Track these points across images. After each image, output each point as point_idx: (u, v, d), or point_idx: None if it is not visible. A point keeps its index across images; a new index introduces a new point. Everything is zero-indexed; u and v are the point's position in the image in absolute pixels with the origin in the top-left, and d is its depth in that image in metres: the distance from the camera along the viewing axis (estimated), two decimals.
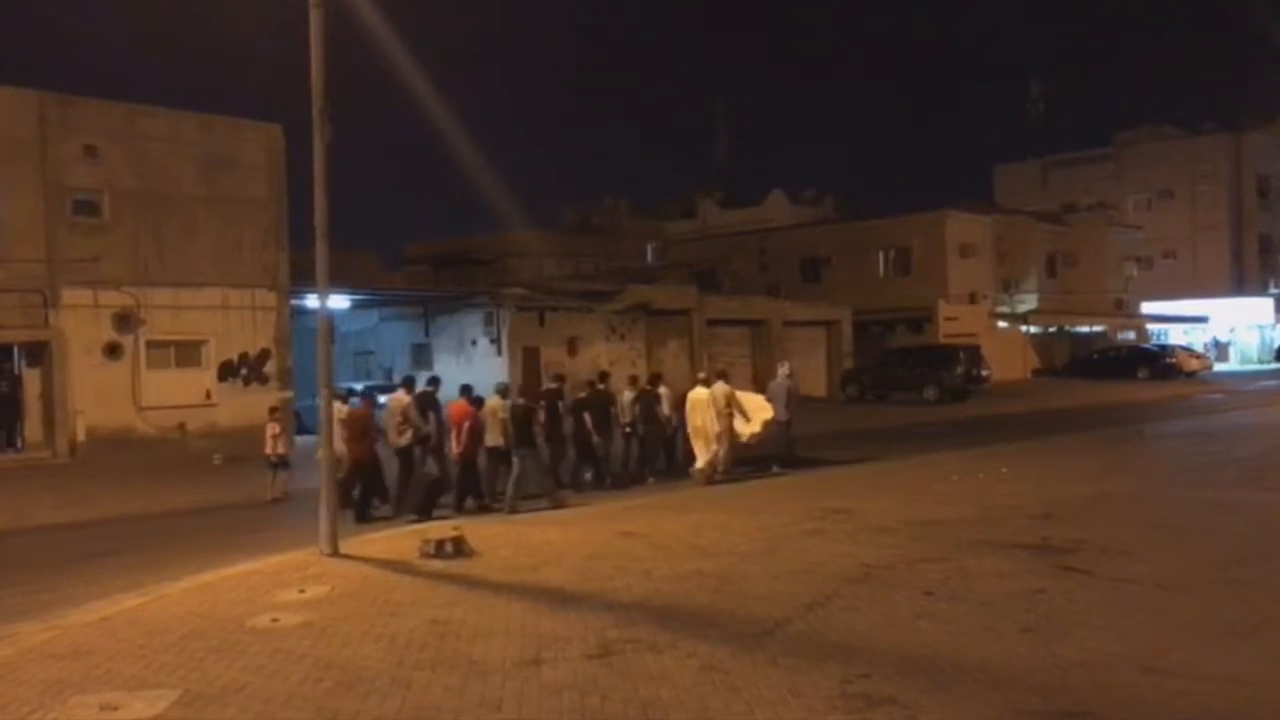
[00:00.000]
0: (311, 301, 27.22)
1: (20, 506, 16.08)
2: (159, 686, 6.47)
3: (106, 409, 21.76)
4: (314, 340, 27.18)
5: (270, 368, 24.47)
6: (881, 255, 44.58)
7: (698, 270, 46.26)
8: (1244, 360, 56.89)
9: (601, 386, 17.50)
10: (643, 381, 19.17)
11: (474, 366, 28.82)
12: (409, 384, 15.74)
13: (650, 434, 17.45)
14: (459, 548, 10.37)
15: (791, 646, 6.89)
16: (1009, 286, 46.65)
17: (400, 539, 11.34)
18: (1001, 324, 44.59)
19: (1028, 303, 47.24)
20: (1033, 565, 9.12)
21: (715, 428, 16.34)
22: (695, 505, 13.69)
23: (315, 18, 10.86)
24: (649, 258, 54.51)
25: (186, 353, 23.38)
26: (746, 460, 17.46)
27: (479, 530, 11.49)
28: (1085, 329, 50.15)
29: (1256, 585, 8.30)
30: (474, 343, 29.27)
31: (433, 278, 38.21)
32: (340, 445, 13.33)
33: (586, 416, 16.53)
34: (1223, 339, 57.77)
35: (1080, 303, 49.07)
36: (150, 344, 22.69)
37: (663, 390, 18.05)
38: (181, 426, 22.64)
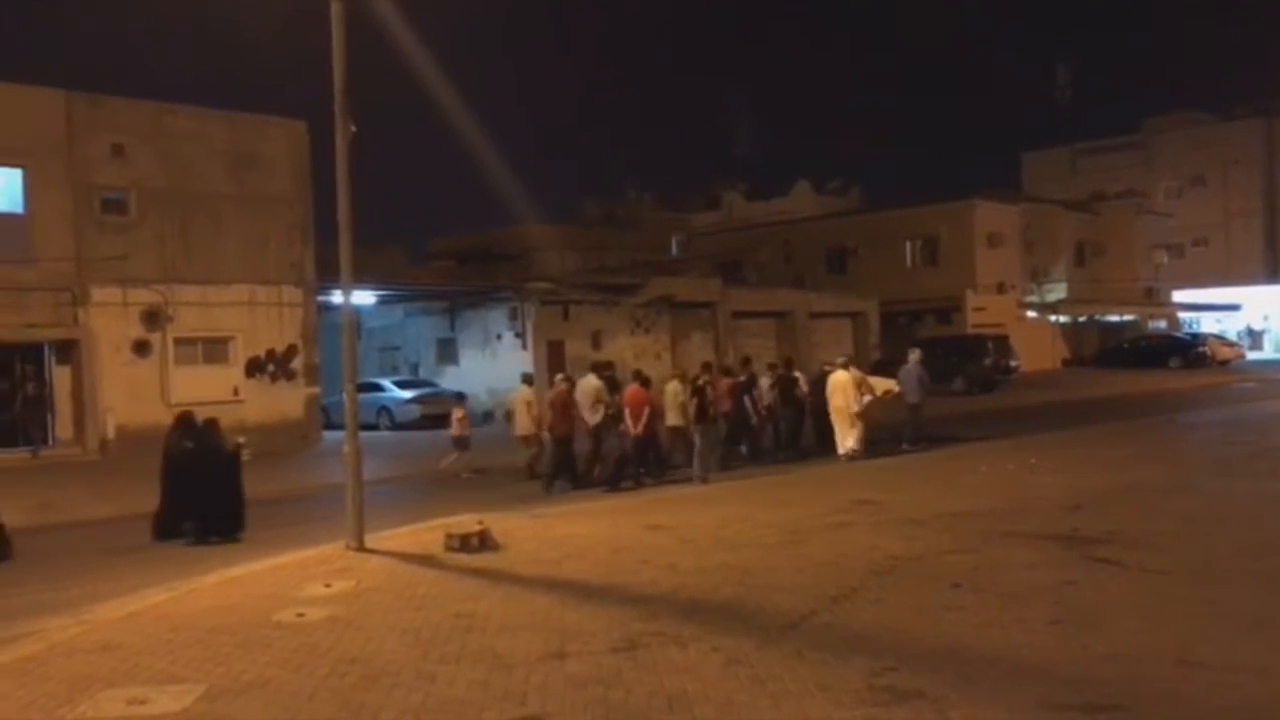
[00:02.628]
0: (338, 297, 27.41)
1: (51, 503, 16.24)
2: (185, 681, 6.50)
3: (136, 406, 21.93)
4: (337, 335, 27.75)
5: (297, 363, 24.61)
6: (908, 245, 44.24)
7: (722, 262, 46.02)
8: (1278, 348, 56.11)
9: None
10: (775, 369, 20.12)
11: (499, 361, 28.89)
12: (597, 369, 17.78)
13: (789, 415, 18.77)
14: (484, 541, 10.39)
15: (817, 639, 6.84)
16: (1037, 276, 46.20)
17: (426, 533, 11.35)
18: (1030, 314, 44.19)
19: (1056, 292, 46.78)
20: (1062, 557, 9.02)
21: (855, 408, 17.36)
22: (722, 498, 13.70)
23: (336, 12, 10.89)
24: (673, 250, 54.32)
25: (214, 349, 23.55)
26: (878, 440, 18.42)
27: (504, 524, 11.50)
28: (1115, 318, 49.61)
29: None
30: (499, 337, 29.30)
31: (457, 273, 38.23)
32: (527, 423, 16.64)
33: (746, 400, 18.02)
34: (1256, 327, 56.96)
35: (1110, 292, 48.54)
36: (178, 341, 22.86)
37: (798, 374, 19.42)
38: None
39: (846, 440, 17.45)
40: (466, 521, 11.02)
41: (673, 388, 16.39)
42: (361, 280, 26.94)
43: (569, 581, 8.89)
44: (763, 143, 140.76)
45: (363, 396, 27.78)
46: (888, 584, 8.30)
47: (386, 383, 28.32)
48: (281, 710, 5.90)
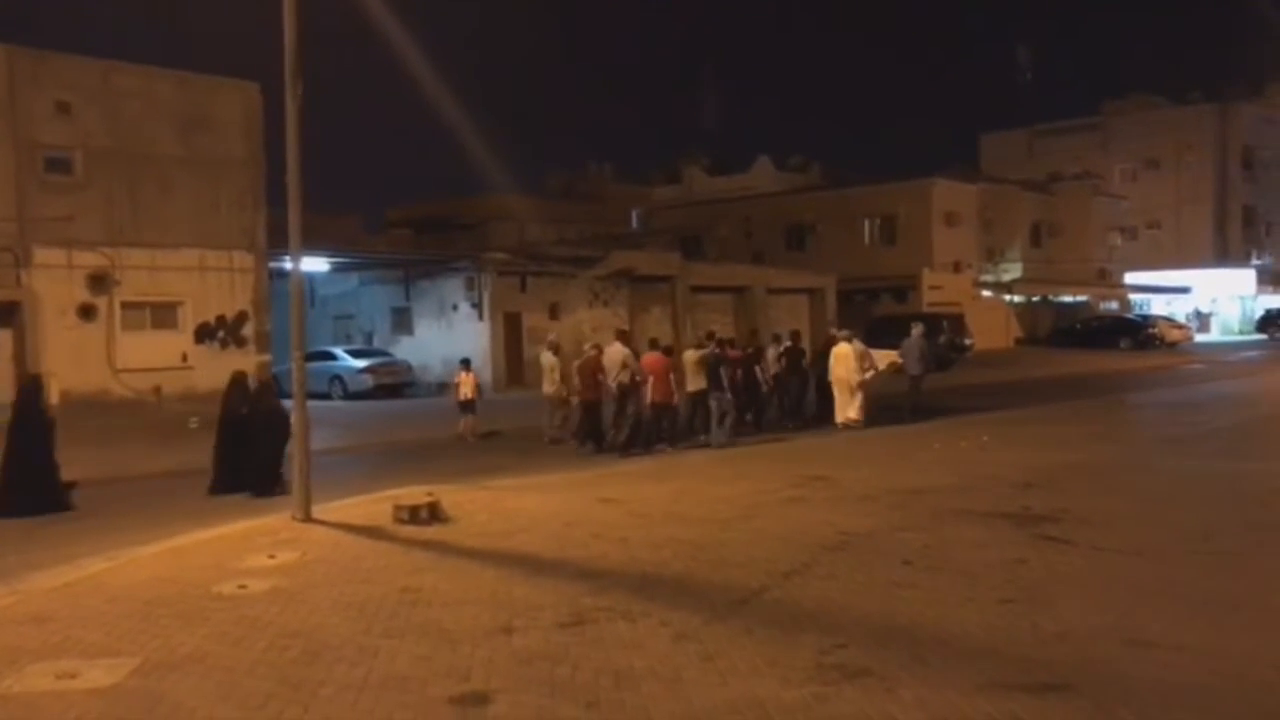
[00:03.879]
0: (291, 264, 27.04)
1: None
2: (119, 654, 6.29)
3: (81, 371, 21.42)
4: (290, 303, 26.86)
5: (248, 330, 24.18)
6: (867, 223, 44.41)
7: (683, 237, 45.95)
8: (1225, 331, 57.08)
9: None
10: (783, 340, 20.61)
11: (455, 331, 28.61)
12: (622, 336, 18.47)
13: (794, 385, 19.58)
14: (434, 513, 10.22)
15: (767, 615, 6.76)
16: (993, 255, 46.56)
17: (374, 504, 11.14)
18: (985, 293, 44.56)
19: (1012, 272, 47.20)
20: (1013, 535, 9.02)
21: (856, 378, 17.98)
22: (677, 472, 13.61)
23: None
24: (633, 224, 54.15)
25: (163, 315, 23.07)
26: (883, 409, 18.91)
27: (455, 496, 11.33)
28: (1069, 299, 50.16)
29: (1239, 556, 8.22)
30: (455, 307, 28.99)
31: (415, 242, 37.82)
32: (552, 387, 17.78)
33: (758, 369, 18.79)
34: (1205, 310, 57.93)
35: (1064, 272, 49.05)
36: (125, 305, 22.37)
37: (804, 346, 20.36)
38: (157, 390, 22.33)
39: (846, 410, 18.09)
40: (415, 493, 10.84)
41: (689, 355, 17.13)
42: (315, 247, 26.70)
43: (518, 555, 8.76)
44: (725, 118, 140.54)
45: (315, 365, 27.79)
46: (839, 560, 8.24)
47: (339, 351, 28.01)
48: (216, 685, 5.72)
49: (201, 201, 23.37)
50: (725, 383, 16.71)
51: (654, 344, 18.14)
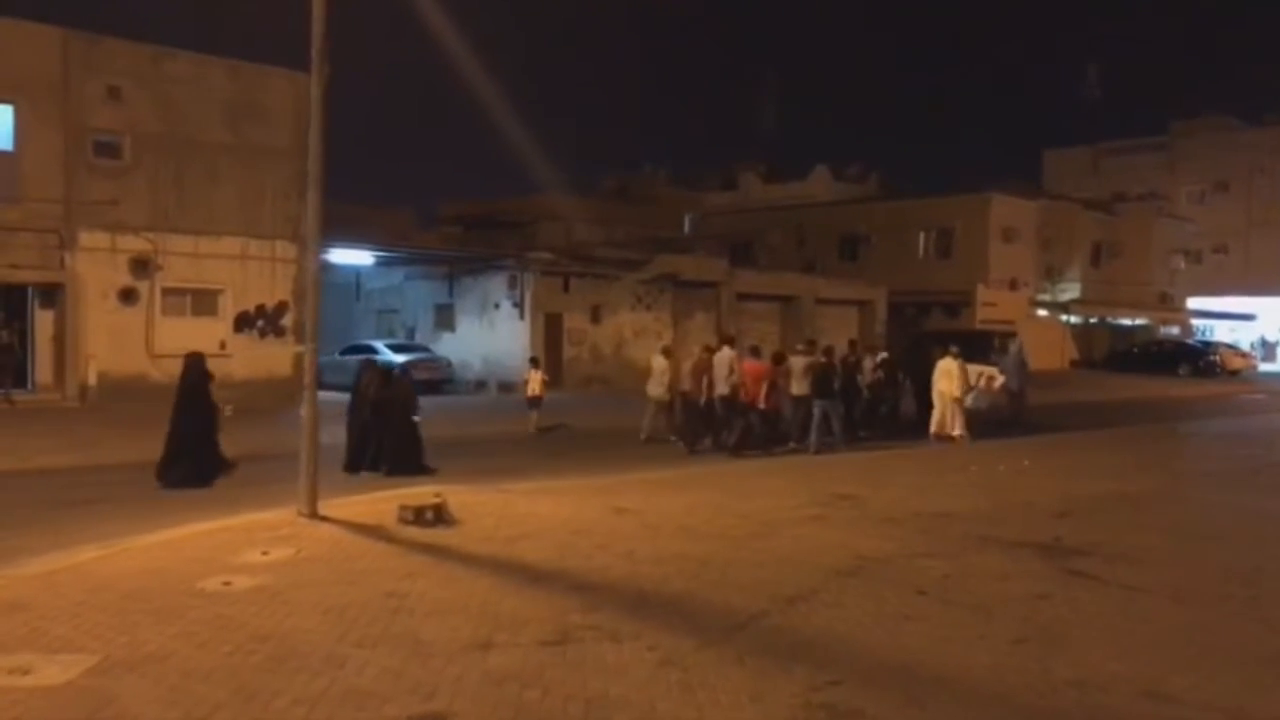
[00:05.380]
0: (335, 255, 27.07)
1: (19, 449, 15.87)
2: (80, 650, 6.06)
3: (119, 355, 21.56)
4: (336, 294, 27.90)
5: (288, 320, 24.18)
6: (922, 236, 43.58)
7: (734, 243, 45.46)
8: None
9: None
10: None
11: (495, 330, 28.47)
12: (730, 341, 18.43)
13: (891, 395, 19.97)
14: (439, 515, 9.93)
15: (762, 643, 6.36)
16: (1051, 274, 45.50)
17: (384, 502, 10.88)
18: (1041, 312, 43.54)
19: (1070, 291, 46.09)
20: (1039, 567, 8.52)
21: (957, 393, 18.43)
22: (702, 483, 13.18)
23: None
24: (685, 228, 53.71)
25: (203, 301, 23.15)
26: (986, 422, 19.50)
27: (466, 497, 11.05)
28: (1127, 321, 48.88)
29: (1278, 603, 7.65)
30: (496, 305, 28.83)
31: (463, 239, 37.73)
32: (661, 390, 18.07)
33: (857, 378, 19.13)
34: (1270, 338, 56.12)
35: (1124, 294, 47.79)
36: (166, 291, 22.47)
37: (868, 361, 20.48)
38: None
39: (946, 424, 18.53)
40: (423, 493, 10.57)
41: (799, 362, 17.61)
42: (359, 240, 26.76)
43: (518, 563, 8.43)
44: (785, 125, 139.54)
45: (355, 359, 27.76)
46: (849, 587, 7.80)
47: (380, 345, 27.90)
48: (169, 689, 5.45)
49: (246, 189, 23.42)
50: (835, 390, 17.25)
51: (755, 351, 18.87)
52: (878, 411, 19.64)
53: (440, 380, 27.51)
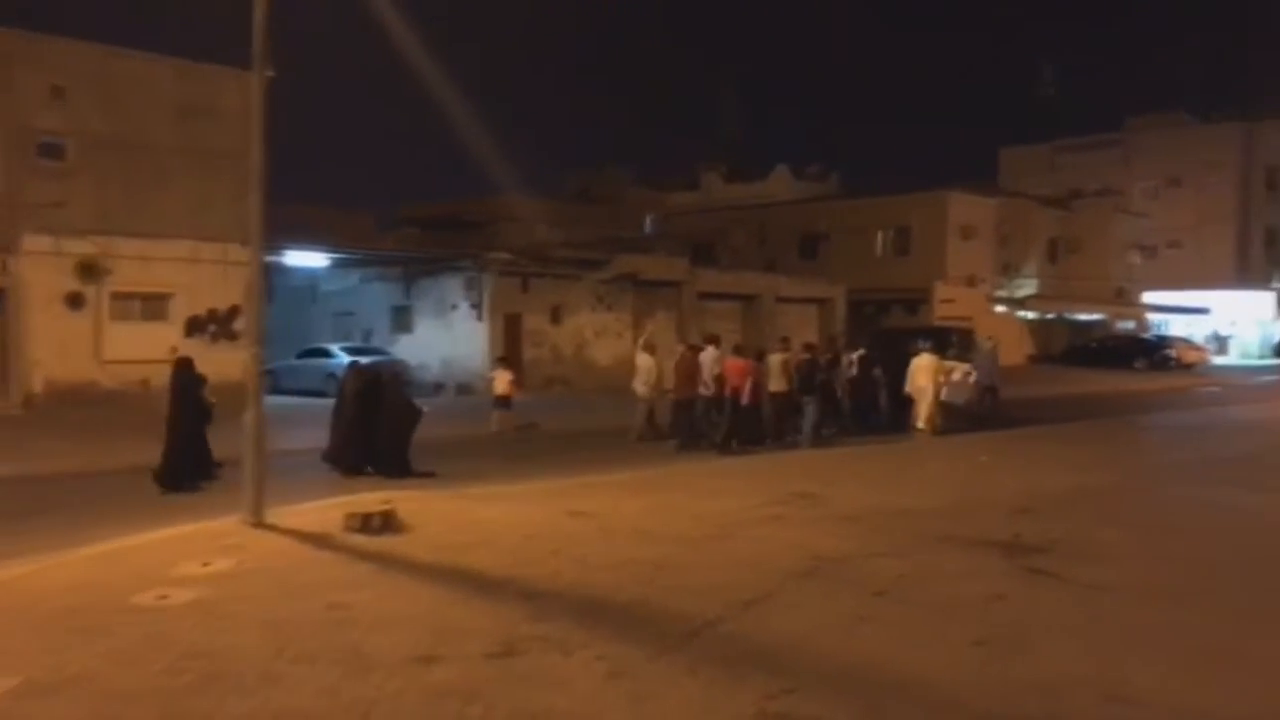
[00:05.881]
0: (289, 258, 26.61)
1: None
2: (1, 673, 5.74)
3: (66, 361, 21.01)
4: (293, 298, 27.59)
5: (240, 324, 23.67)
6: (880, 234, 43.61)
7: (696, 243, 45.29)
8: (1244, 355, 55.99)
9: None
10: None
11: (454, 331, 28.10)
12: (715, 340, 18.53)
13: (869, 391, 20.09)
14: (388, 522, 9.64)
15: (716, 651, 6.16)
16: (1009, 270, 45.72)
17: (332, 510, 10.54)
18: (999, 308, 43.70)
19: (1027, 288, 46.34)
20: (999, 565, 8.38)
21: (932, 388, 18.77)
22: (662, 484, 12.94)
23: None
24: (647, 228, 53.52)
25: (153, 306, 22.62)
26: (959, 416, 19.81)
27: (417, 504, 10.76)
28: (1084, 316, 49.24)
29: (1240, 599, 7.56)
30: (454, 307, 28.44)
31: (423, 240, 37.30)
32: (646, 388, 18.13)
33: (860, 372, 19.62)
34: (1224, 332, 56.82)
35: (1081, 290, 48.14)
36: (115, 295, 21.92)
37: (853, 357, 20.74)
38: (145, 382, 21.82)
39: (926, 418, 18.76)
40: (370, 500, 10.28)
41: (774, 359, 17.78)
42: (314, 242, 26.29)
43: (467, 571, 8.17)
44: (746, 126, 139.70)
45: (310, 362, 27.34)
46: (806, 589, 7.63)
47: (335, 348, 27.43)
48: (90, 714, 5.17)
49: (197, 192, 22.90)
50: (817, 387, 17.45)
51: (737, 350, 18.80)
52: (857, 408, 19.77)
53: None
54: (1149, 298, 53.18)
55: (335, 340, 29.10)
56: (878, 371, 20.08)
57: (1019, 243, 45.88)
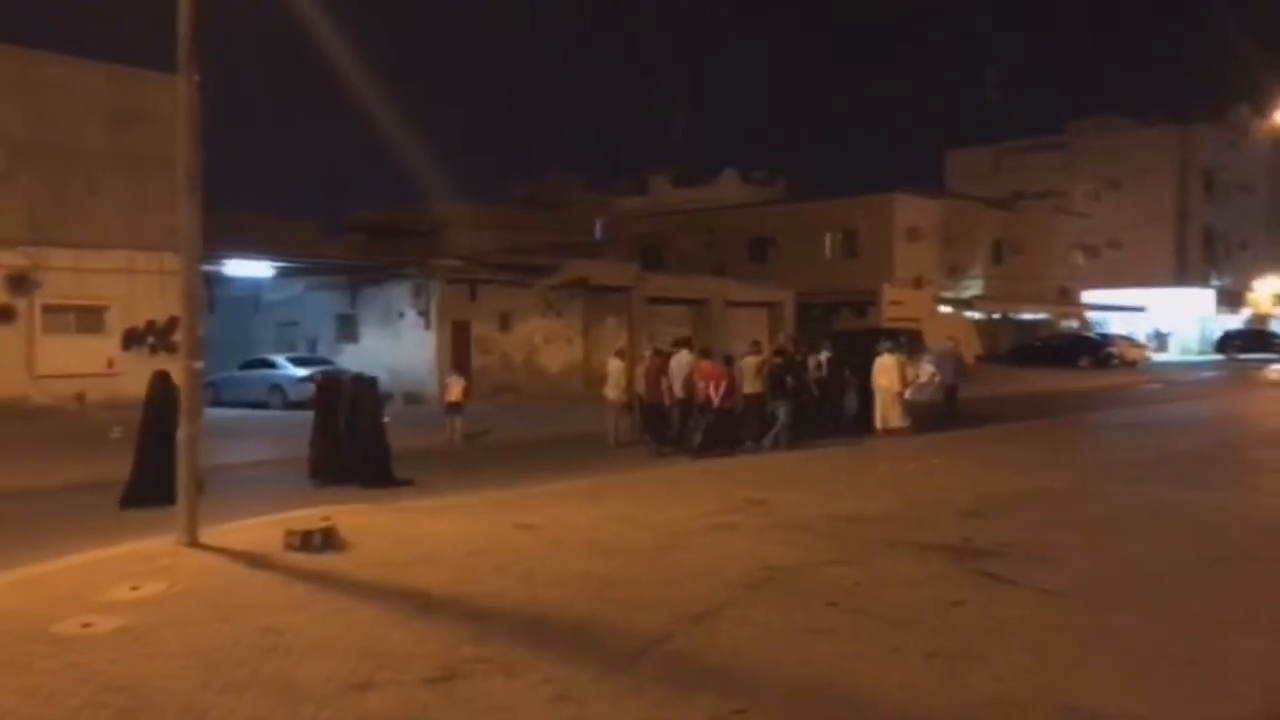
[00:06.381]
0: (230, 268, 26.05)
1: None
2: None
3: None
4: (235, 308, 26.89)
5: (180, 336, 23.08)
6: (828, 237, 43.87)
7: (645, 248, 45.20)
8: (1184, 351, 57.04)
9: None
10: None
11: (401, 340, 27.70)
12: (687, 344, 18.62)
13: (835, 392, 20.20)
14: (328, 540, 9.31)
15: (665, 669, 5.95)
16: (955, 272, 46.11)
17: (271, 527, 10.18)
18: (945, 309, 44.04)
19: (973, 288, 46.77)
20: (952, 571, 8.26)
21: (898, 388, 19.01)
22: (612, 493, 12.74)
23: None
24: (596, 234, 53.33)
25: (88, 318, 22.01)
26: (919, 416, 19.76)
27: (359, 519, 10.45)
28: (1029, 316, 49.83)
29: (1194, 600, 7.48)
30: (401, 315, 28.06)
31: (368, 248, 36.77)
32: (619, 393, 18.30)
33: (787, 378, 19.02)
34: (1164, 330, 57.81)
35: (1025, 290, 48.70)
36: (48, 308, 21.29)
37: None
38: (80, 397, 21.22)
39: (890, 419, 18.96)
40: (310, 516, 9.93)
41: (748, 362, 17.89)
42: (256, 250, 25.75)
43: (409, 590, 7.88)
44: (694, 131, 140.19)
45: (253, 373, 26.80)
46: (758, 600, 7.44)
47: (279, 359, 26.93)
48: None
49: (131, 200, 22.31)
50: (790, 388, 17.42)
51: (704, 352, 18.78)
52: (822, 410, 19.81)
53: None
54: (1090, 296, 53.95)
55: (279, 351, 28.59)
56: (847, 372, 20.22)
57: (965, 244, 46.29)
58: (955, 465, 14.77)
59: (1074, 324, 52.01)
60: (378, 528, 10.27)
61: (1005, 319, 48.56)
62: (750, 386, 17.57)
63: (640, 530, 10.16)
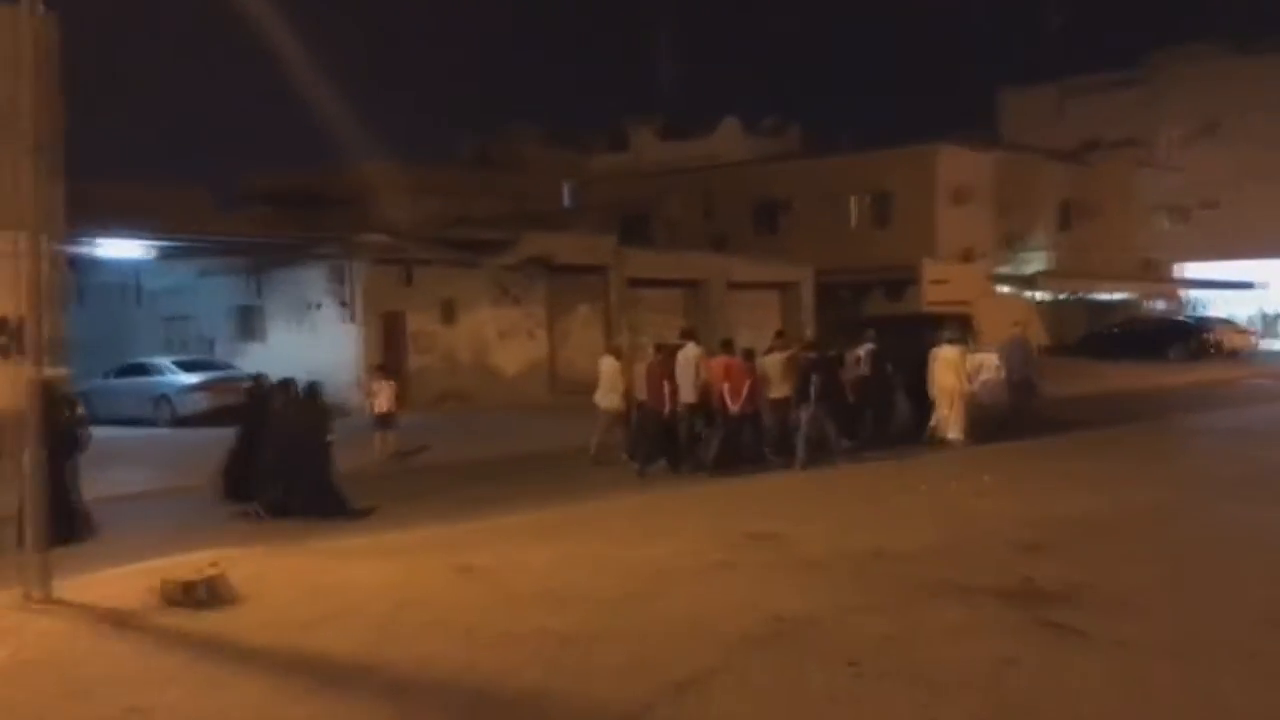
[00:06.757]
0: (104, 248, 25.85)
1: None
2: None
3: None
4: (110, 298, 26.66)
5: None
6: (854, 201, 43.82)
7: (626, 217, 45.20)
8: None
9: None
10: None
11: (317, 336, 27.55)
12: (692, 335, 18.81)
13: (880, 394, 20.26)
14: (215, 592, 9.19)
15: None
16: (1013, 242, 46.19)
17: (144, 577, 10.03)
18: (1002, 289, 44.12)
19: (1035, 263, 46.85)
20: (1005, 621, 8.22)
21: (962, 388, 19.10)
22: (577, 527, 12.73)
23: None
24: (564, 200, 53.34)
25: None
26: (985, 421, 19.97)
27: (259, 565, 10.36)
28: (1105, 296, 49.94)
29: None
30: (317, 306, 27.88)
31: (276, 220, 36.64)
32: (615, 398, 18.29)
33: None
34: (1272, 310, 57.86)
35: (1100, 263, 48.81)
36: None
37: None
38: None
39: (949, 426, 19.10)
40: (195, 563, 9.78)
41: (777, 359, 17.92)
42: (135, 227, 25.58)
43: (315, 656, 7.77)
44: (685, 71, 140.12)
45: (132, 381, 26.66)
46: (761, 662, 7.37)
47: (165, 363, 26.75)
48: None
49: None
50: (818, 391, 17.39)
51: (726, 346, 18.48)
52: (863, 416, 19.75)
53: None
54: (1182, 270, 54.07)
55: (165, 352, 28.45)
56: (890, 369, 20.28)
57: (1024, 207, 46.34)
58: (1012, 484, 14.78)
59: (1161, 305, 52.13)
60: (281, 575, 10.18)
61: (1075, 300, 48.68)
62: (777, 390, 17.64)
63: (612, 574, 10.12)
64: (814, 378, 17.25)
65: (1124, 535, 11.48)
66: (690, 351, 17.66)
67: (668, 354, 17.84)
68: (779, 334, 20.18)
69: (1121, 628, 7.94)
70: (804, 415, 17.22)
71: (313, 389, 15.18)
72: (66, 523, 12.70)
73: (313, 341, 27.56)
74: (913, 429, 19.88)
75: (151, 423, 25.31)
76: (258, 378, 16.32)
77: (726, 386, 17.06)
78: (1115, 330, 45.60)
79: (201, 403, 25.63)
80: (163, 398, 26.03)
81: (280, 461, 14.26)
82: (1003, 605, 8.62)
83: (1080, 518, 12.28)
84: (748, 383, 17.05)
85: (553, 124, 63.19)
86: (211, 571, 9.41)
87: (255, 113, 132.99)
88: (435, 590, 9.65)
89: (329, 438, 14.80)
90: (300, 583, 9.94)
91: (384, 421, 19.46)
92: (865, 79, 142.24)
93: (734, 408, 17.01)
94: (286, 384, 15.32)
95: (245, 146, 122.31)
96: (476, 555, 10.98)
